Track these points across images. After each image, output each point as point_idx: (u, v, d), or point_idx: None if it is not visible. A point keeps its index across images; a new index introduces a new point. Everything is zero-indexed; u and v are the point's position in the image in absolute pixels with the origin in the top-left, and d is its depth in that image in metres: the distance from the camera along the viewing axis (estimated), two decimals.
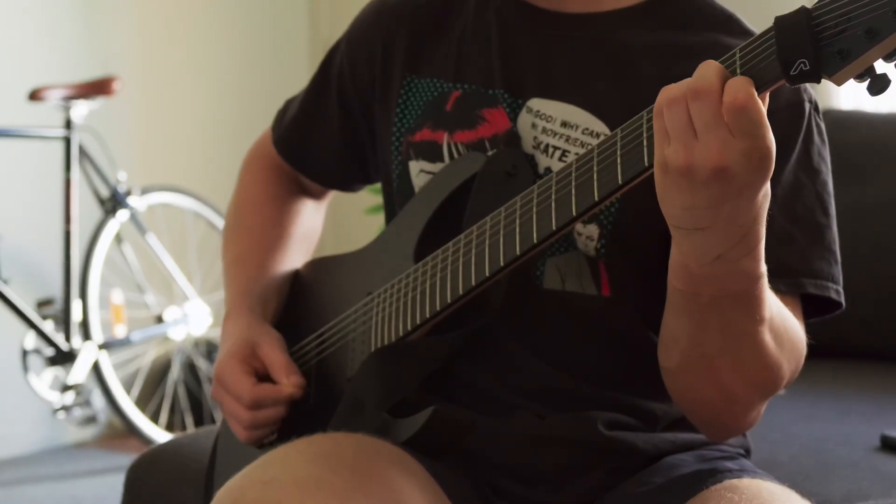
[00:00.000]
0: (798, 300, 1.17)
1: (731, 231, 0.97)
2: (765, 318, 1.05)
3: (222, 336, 1.34)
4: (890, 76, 0.89)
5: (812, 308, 1.18)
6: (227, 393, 1.27)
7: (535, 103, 1.22)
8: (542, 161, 1.20)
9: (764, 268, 1.02)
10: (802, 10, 0.91)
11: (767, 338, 1.07)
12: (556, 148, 1.20)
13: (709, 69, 0.93)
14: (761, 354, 1.08)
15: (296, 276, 1.42)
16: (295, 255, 1.44)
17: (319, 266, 1.42)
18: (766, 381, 1.11)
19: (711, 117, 0.92)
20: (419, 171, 1.28)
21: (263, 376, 1.28)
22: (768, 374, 1.10)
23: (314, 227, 1.51)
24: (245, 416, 1.26)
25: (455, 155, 1.25)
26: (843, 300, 1.19)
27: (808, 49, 0.90)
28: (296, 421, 1.28)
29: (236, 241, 1.45)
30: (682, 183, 0.95)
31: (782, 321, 1.10)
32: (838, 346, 1.95)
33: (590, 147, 1.09)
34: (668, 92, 0.95)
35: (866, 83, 0.90)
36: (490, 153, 1.22)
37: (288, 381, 1.25)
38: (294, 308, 1.39)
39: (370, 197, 3.30)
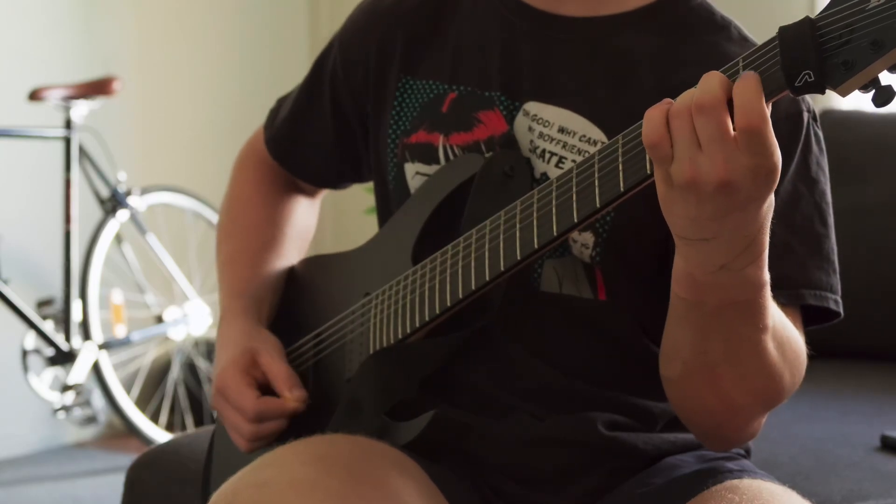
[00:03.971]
0: (798, 311, 1.17)
1: (736, 241, 0.97)
2: (768, 326, 1.05)
3: (218, 340, 1.34)
4: (895, 88, 0.88)
5: (810, 317, 1.18)
6: (228, 405, 1.27)
7: (532, 107, 1.22)
8: (539, 166, 1.20)
9: (767, 276, 1.02)
10: (807, 20, 0.91)
11: (770, 347, 1.07)
12: (552, 154, 1.19)
13: (712, 82, 0.92)
14: (764, 363, 1.07)
15: (291, 273, 1.42)
16: (289, 253, 1.44)
17: (315, 264, 1.41)
18: (768, 391, 1.11)
19: (716, 131, 0.91)
20: (415, 174, 1.27)
21: (264, 385, 1.27)
22: (771, 384, 1.10)
23: (308, 225, 1.50)
24: (247, 428, 1.26)
25: (451, 157, 1.25)
26: (841, 310, 1.18)
27: (812, 60, 0.89)
28: (293, 422, 1.28)
29: (229, 241, 1.44)
30: (686, 196, 0.94)
31: (784, 331, 1.10)
32: (838, 346, 1.95)
33: (587, 154, 1.09)
34: (676, 104, 0.94)
35: (871, 94, 0.89)
36: (488, 155, 1.22)
37: (291, 396, 1.25)
38: (289, 306, 1.39)
39: (370, 197, 3.29)
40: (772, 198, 0.96)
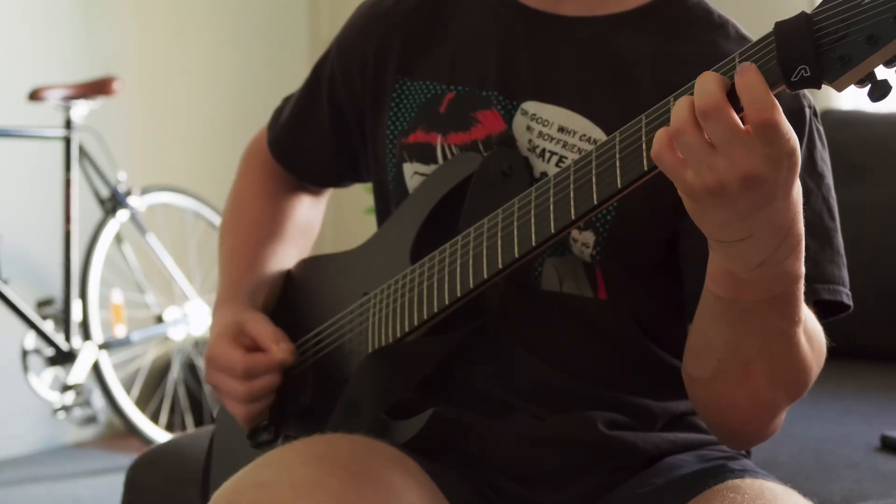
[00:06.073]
0: (812, 306, 1.16)
1: (772, 235, 0.97)
2: (801, 319, 1.05)
3: (210, 326, 1.36)
4: (891, 82, 0.88)
5: (820, 311, 1.18)
6: (219, 371, 1.28)
7: (531, 106, 1.22)
8: (538, 165, 1.20)
9: (803, 268, 1.02)
10: (803, 15, 0.91)
11: (802, 339, 1.07)
12: (552, 153, 1.19)
13: (709, 84, 0.92)
14: (796, 357, 1.08)
15: (290, 274, 1.43)
16: (290, 250, 1.45)
17: (313, 265, 1.42)
18: (796, 384, 1.11)
19: (727, 130, 0.91)
20: (413, 174, 1.27)
21: (254, 351, 1.28)
22: (800, 377, 1.10)
23: (312, 222, 1.51)
24: (240, 388, 1.26)
25: (449, 156, 1.25)
26: (851, 302, 1.19)
27: (808, 55, 0.89)
28: (293, 421, 1.29)
29: (231, 236, 1.45)
30: (715, 202, 0.94)
31: (811, 323, 1.10)
32: (838, 345, 1.95)
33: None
34: (673, 123, 0.93)
35: (867, 89, 0.89)
36: (486, 154, 1.22)
37: (278, 348, 1.26)
38: (289, 306, 1.39)
39: (370, 197, 3.29)
40: (798, 184, 0.96)
